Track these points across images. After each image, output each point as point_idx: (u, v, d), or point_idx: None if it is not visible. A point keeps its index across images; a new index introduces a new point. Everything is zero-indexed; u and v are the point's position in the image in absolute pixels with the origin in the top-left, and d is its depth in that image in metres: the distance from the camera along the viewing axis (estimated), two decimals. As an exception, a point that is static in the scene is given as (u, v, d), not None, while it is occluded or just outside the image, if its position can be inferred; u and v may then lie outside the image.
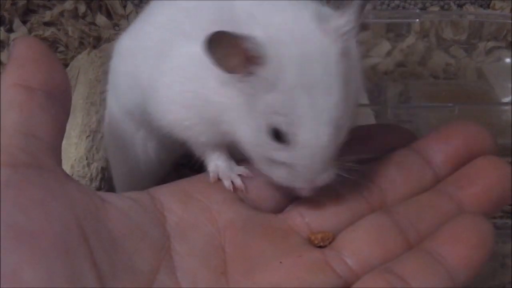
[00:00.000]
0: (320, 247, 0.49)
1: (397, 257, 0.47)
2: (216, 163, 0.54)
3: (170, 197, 0.49)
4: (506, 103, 0.81)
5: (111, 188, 0.70)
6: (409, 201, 0.51)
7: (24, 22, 1.04)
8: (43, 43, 0.48)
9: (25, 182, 0.39)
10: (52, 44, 1.00)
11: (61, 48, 1.00)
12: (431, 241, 0.47)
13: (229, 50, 0.47)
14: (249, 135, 0.50)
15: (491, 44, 0.95)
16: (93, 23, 1.05)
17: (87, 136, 0.74)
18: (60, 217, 0.39)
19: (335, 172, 0.49)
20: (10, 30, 1.03)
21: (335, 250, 0.48)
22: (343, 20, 0.48)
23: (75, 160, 0.72)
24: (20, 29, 1.02)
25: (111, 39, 1.00)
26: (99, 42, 1.01)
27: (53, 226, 0.38)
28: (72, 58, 0.95)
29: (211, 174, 0.54)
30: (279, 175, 0.49)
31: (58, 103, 0.46)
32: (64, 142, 0.48)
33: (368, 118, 0.79)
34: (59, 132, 0.46)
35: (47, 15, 1.05)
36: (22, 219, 0.37)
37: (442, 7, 1.07)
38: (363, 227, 0.49)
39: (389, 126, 0.64)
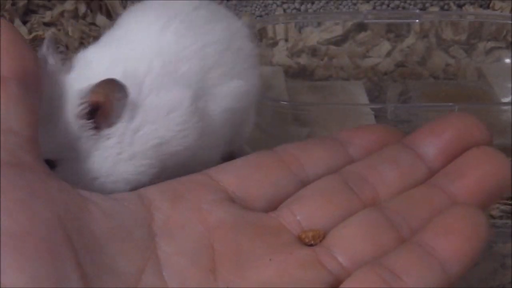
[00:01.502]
0: (311, 245, 0.48)
1: (389, 252, 0.46)
2: None
3: (159, 196, 0.49)
4: (506, 103, 0.81)
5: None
6: (400, 195, 0.51)
7: (24, 22, 1.04)
8: (13, 27, 0.47)
9: (8, 182, 0.38)
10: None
11: (61, 48, 1.00)
12: (422, 234, 0.46)
13: None
14: None
15: (491, 44, 0.95)
16: (93, 24, 1.05)
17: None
18: (44, 218, 0.38)
19: None
20: (10, 30, 1.03)
21: (326, 247, 0.47)
22: None
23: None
24: (20, 29, 1.02)
25: (111, 39, 1.00)
26: (99, 42, 1.01)
27: (37, 228, 0.37)
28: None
29: None
30: None
31: (32, 92, 0.45)
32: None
33: (368, 118, 0.79)
34: (35, 124, 0.44)
35: (47, 15, 1.05)
36: (6, 221, 0.36)
37: (442, 8, 1.07)
38: (354, 224, 0.49)
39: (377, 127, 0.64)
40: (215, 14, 0.63)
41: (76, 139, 0.51)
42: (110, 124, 0.52)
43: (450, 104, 0.75)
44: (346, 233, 0.48)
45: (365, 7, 1.07)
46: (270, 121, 0.78)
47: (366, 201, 0.51)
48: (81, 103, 0.51)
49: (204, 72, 0.58)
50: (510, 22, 0.93)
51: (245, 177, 0.52)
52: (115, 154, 0.53)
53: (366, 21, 0.93)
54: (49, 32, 1.00)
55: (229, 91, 0.60)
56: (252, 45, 0.64)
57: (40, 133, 0.45)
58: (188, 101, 0.55)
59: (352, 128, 0.58)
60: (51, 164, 0.50)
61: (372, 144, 0.56)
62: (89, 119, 0.52)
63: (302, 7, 1.08)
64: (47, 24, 1.04)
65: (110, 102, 0.52)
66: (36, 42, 1.01)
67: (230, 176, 0.52)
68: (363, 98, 0.86)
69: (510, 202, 0.80)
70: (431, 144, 0.53)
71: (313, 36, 0.98)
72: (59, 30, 1.01)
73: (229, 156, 0.62)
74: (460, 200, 0.49)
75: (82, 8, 1.05)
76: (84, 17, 1.05)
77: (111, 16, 1.07)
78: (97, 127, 0.52)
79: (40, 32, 1.00)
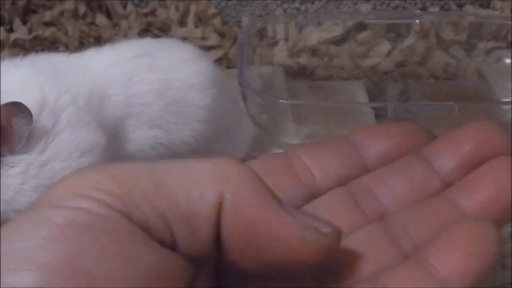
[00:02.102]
0: None
1: (387, 270, 0.44)
2: None
3: None
4: (506, 102, 0.81)
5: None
6: (407, 209, 0.48)
7: (24, 22, 1.04)
8: None
9: None
10: (52, 44, 1.00)
11: (61, 48, 1.00)
12: (425, 250, 0.44)
13: None
14: None
15: (491, 44, 0.95)
16: (93, 23, 1.05)
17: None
18: None
19: None
20: (10, 30, 1.03)
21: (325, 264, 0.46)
22: None
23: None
24: (20, 29, 1.02)
25: (111, 39, 1.00)
26: (99, 42, 1.01)
27: None
28: (72, 58, 0.95)
29: None
30: None
31: None
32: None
33: (368, 117, 0.79)
34: None
35: (47, 15, 1.05)
36: None
37: (442, 7, 1.08)
38: (354, 241, 0.47)
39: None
40: (158, 62, 0.61)
41: None
42: (12, 151, 0.49)
43: (451, 103, 0.74)
44: (346, 251, 0.46)
45: (365, 7, 1.07)
46: (271, 119, 0.78)
47: (372, 217, 0.49)
48: None
49: (127, 118, 0.57)
50: (510, 22, 0.93)
51: None
52: (18, 184, 0.50)
53: (366, 21, 0.93)
54: (49, 32, 1.00)
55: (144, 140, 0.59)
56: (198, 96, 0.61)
57: None
58: (102, 147, 0.53)
59: (371, 128, 0.55)
60: None
61: (391, 149, 0.52)
62: None
63: (302, 7, 1.08)
64: (47, 24, 1.04)
65: (12, 127, 0.48)
66: (36, 42, 1.01)
67: None
68: (363, 98, 0.86)
69: (510, 202, 0.80)
70: (448, 157, 0.50)
71: (313, 36, 0.98)
72: (59, 30, 1.01)
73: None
74: (472, 213, 0.46)
75: (82, 8, 1.05)
76: (84, 17, 1.05)
77: (111, 16, 1.08)
78: None
79: (40, 32, 1.00)
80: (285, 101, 0.80)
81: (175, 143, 0.61)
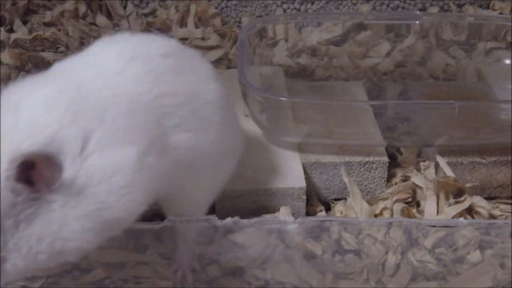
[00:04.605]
0: None
1: None
2: None
3: None
4: (506, 101, 0.81)
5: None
6: None
7: (25, 22, 1.04)
8: None
9: None
10: (52, 44, 1.00)
11: (61, 48, 1.00)
12: None
13: None
14: None
15: (490, 44, 0.95)
16: (94, 23, 1.05)
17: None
18: None
19: None
20: (10, 30, 1.03)
21: None
22: None
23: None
24: (20, 29, 1.02)
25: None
26: (99, 42, 1.01)
27: None
28: (72, 58, 0.95)
29: None
30: None
31: None
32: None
33: (367, 116, 0.79)
34: None
35: (48, 15, 1.05)
36: None
37: (441, 8, 1.08)
38: None
39: None
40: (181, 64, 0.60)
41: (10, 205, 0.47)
42: (49, 186, 0.48)
43: (451, 102, 0.74)
44: None
45: (365, 7, 1.07)
46: (271, 118, 0.78)
47: None
48: (13, 164, 0.46)
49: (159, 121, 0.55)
50: (510, 23, 0.93)
51: None
52: (60, 217, 0.48)
53: (366, 21, 0.93)
54: (49, 32, 1.00)
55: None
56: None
57: None
58: (134, 161, 0.51)
59: None
60: None
61: None
62: (23, 181, 0.47)
63: (302, 7, 1.09)
64: (47, 24, 1.04)
65: (46, 163, 0.47)
66: (36, 42, 1.01)
67: None
68: (363, 98, 0.86)
69: (510, 202, 0.80)
70: None
71: (313, 36, 0.98)
72: (59, 30, 1.02)
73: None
74: None
75: (82, 8, 1.06)
76: (84, 17, 1.05)
77: (111, 16, 1.08)
78: (35, 190, 0.47)
79: (40, 32, 1.00)
80: (286, 99, 0.80)
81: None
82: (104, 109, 0.52)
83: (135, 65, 0.56)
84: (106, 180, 0.50)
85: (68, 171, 0.48)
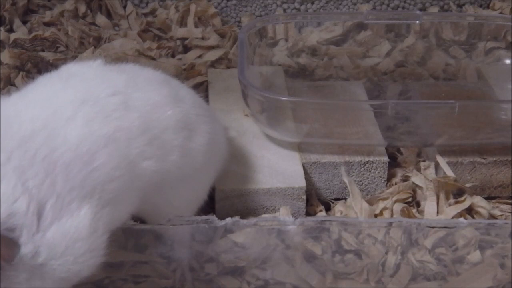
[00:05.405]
0: None
1: None
2: None
3: None
4: (506, 101, 0.81)
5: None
6: None
7: (24, 22, 1.04)
8: None
9: None
10: (52, 44, 1.00)
11: (61, 48, 1.00)
12: None
13: None
14: None
15: (490, 44, 0.95)
16: (93, 23, 1.05)
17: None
18: None
19: None
20: (10, 30, 1.03)
21: None
22: None
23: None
24: (20, 29, 1.02)
25: (111, 39, 1.00)
26: (99, 42, 1.01)
27: None
28: (73, 58, 0.95)
29: None
30: None
31: None
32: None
33: (367, 115, 0.79)
34: None
35: (47, 15, 1.05)
36: None
37: (441, 7, 1.08)
38: None
39: None
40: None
41: None
42: (8, 262, 0.47)
43: (451, 102, 0.74)
44: None
45: (365, 7, 1.07)
46: (271, 118, 0.78)
47: None
48: None
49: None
50: (510, 22, 0.93)
51: None
52: None
53: (366, 21, 0.93)
54: (49, 32, 1.00)
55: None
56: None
57: None
58: (89, 221, 0.50)
59: None
60: None
61: None
62: None
63: (302, 7, 1.09)
64: (47, 24, 1.04)
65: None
66: (36, 42, 1.01)
67: None
68: (363, 98, 0.86)
69: (510, 202, 0.80)
70: None
71: (313, 36, 0.98)
72: (59, 30, 1.01)
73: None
74: None
75: (82, 8, 1.06)
76: (84, 17, 1.05)
77: (111, 16, 1.08)
78: None
79: (40, 32, 1.00)
80: (286, 99, 0.80)
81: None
82: (53, 168, 0.50)
83: (84, 109, 0.55)
84: (68, 251, 0.50)
85: (26, 247, 0.48)
